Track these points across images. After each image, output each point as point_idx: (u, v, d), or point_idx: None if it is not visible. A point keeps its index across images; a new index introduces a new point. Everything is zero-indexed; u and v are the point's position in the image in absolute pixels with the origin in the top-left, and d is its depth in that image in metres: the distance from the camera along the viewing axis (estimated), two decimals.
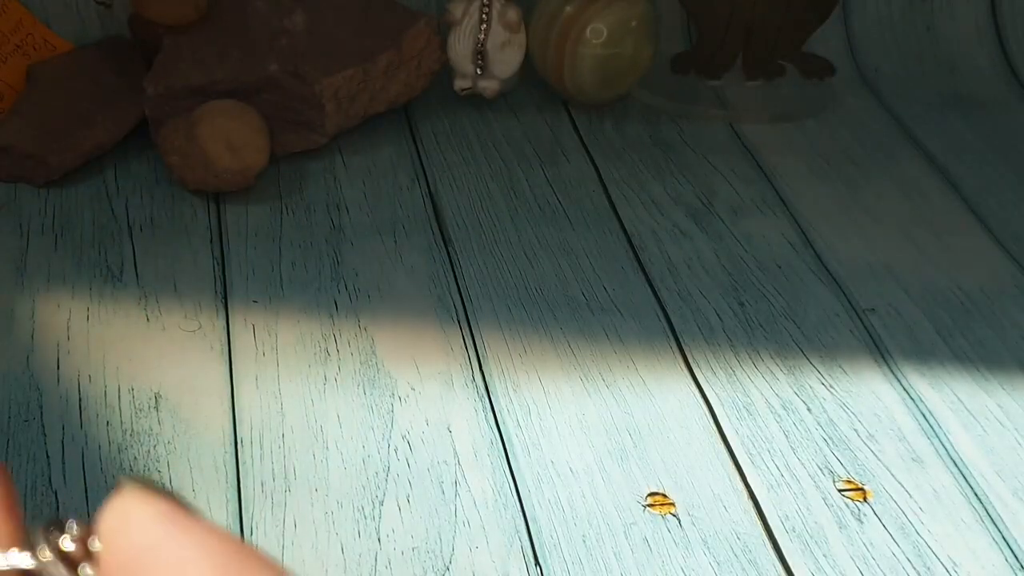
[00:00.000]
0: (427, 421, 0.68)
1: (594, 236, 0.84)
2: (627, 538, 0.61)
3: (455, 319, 0.76)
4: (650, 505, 0.63)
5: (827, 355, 0.75)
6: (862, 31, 1.09)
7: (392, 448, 0.66)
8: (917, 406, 0.71)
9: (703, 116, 1.00)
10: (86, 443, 0.65)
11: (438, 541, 0.60)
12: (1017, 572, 0.61)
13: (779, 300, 0.79)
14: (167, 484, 0.62)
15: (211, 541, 0.23)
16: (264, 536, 0.60)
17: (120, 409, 0.67)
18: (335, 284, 0.78)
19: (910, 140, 1.00)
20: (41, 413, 0.66)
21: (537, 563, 0.60)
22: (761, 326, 0.77)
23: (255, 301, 0.76)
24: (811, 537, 0.62)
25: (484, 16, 0.95)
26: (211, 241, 0.81)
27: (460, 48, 0.96)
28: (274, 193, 0.87)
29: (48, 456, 0.64)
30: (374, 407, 0.68)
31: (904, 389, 0.72)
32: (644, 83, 1.01)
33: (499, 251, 0.82)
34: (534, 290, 0.79)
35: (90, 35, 0.96)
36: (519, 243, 0.83)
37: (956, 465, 0.67)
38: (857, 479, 0.66)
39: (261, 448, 0.65)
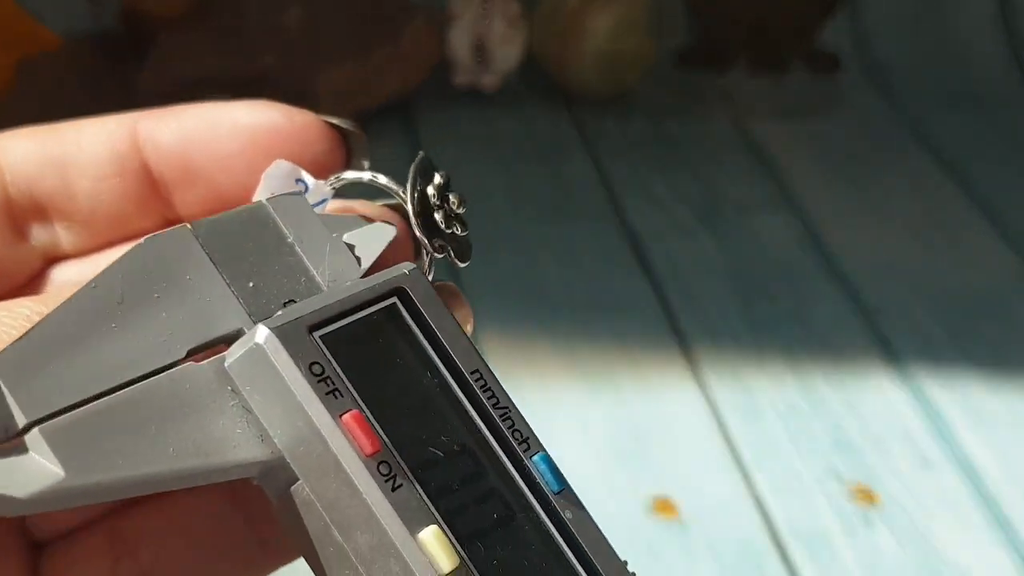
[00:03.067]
0: None
1: (596, 234, 0.84)
2: (631, 543, 0.60)
3: None
4: (655, 510, 0.63)
5: (834, 356, 0.74)
6: (871, 26, 1.09)
7: None
8: (926, 408, 0.70)
9: (708, 112, 1.00)
10: None
11: None
12: None
13: (786, 300, 0.79)
14: None
15: None
16: None
17: None
18: None
19: (919, 137, 0.99)
20: None
21: None
22: (767, 327, 0.76)
23: None
24: (818, 542, 0.61)
25: (485, 10, 0.94)
26: None
27: (460, 42, 0.95)
28: None
29: None
30: None
31: (913, 391, 0.72)
32: (647, 79, 1.00)
33: (499, 250, 0.81)
34: (535, 289, 0.78)
35: (81, 29, 0.95)
36: (520, 241, 0.82)
37: (966, 468, 0.67)
38: (865, 483, 0.65)
39: None
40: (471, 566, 0.23)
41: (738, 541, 0.61)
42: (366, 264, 0.26)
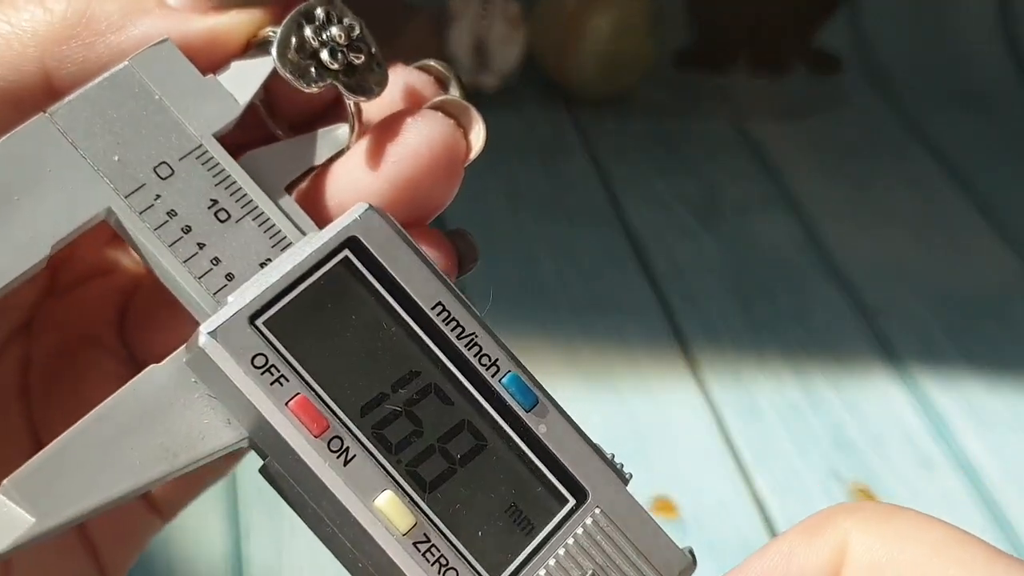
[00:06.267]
0: None
1: (596, 235, 0.84)
2: None
3: None
4: (655, 509, 0.62)
5: (834, 357, 0.74)
6: (871, 26, 1.09)
7: None
8: (925, 409, 0.70)
9: (708, 112, 0.99)
10: None
11: None
12: None
13: (785, 301, 0.78)
14: None
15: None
16: (260, 540, 0.59)
17: None
18: None
19: (919, 137, 0.99)
20: None
21: None
22: (767, 327, 0.76)
23: None
24: None
25: (485, 11, 0.94)
26: None
27: (460, 42, 0.95)
28: None
29: None
30: None
31: (912, 391, 0.72)
32: (647, 79, 1.00)
33: (499, 250, 0.81)
34: (535, 290, 0.78)
35: None
36: (520, 241, 0.82)
37: (965, 469, 0.67)
38: (865, 482, 0.65)
39: None
40: (432, 517, 0.23)
41: (738, 540, 0.61)
42: (244, 99, 0.25)
